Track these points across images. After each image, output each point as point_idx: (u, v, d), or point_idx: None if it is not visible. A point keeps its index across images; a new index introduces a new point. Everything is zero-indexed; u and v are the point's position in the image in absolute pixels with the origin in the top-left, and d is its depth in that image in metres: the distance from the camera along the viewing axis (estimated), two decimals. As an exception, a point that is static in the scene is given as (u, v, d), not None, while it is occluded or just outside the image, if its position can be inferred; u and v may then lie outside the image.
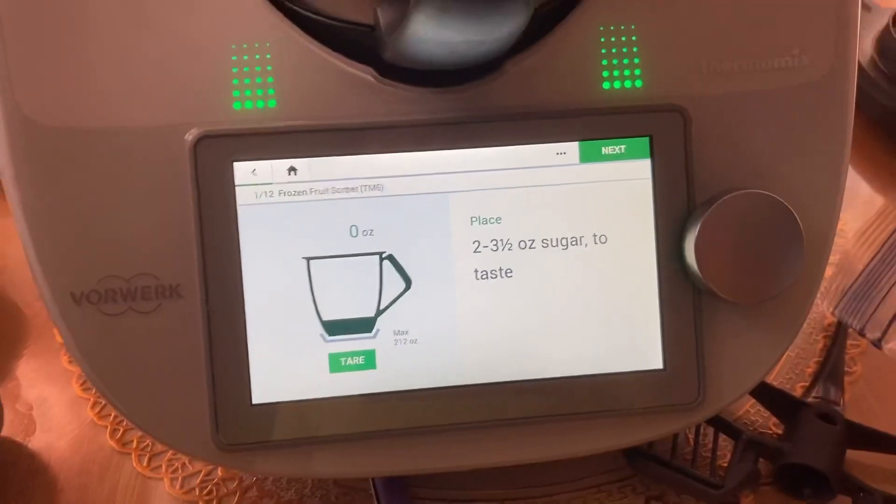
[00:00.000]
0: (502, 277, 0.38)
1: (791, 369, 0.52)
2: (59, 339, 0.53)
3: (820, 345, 0.53)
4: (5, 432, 0.48)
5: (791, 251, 0.36)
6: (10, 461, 0.46)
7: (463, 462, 0.39)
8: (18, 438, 0.47)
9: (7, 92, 0.35)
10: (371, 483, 0.44)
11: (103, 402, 0.49)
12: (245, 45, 0.36)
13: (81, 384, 0.50)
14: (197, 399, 0.36)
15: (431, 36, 0.28)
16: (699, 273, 0.36)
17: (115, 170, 0.35)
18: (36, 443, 0.47)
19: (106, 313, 0.36)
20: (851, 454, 0.45)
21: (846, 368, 0.51)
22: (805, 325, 0.52)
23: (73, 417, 0.49)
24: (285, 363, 0.37)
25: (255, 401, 0.36)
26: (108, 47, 0.35)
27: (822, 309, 0.55)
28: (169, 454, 0.46)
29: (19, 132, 0.35)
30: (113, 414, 0.48)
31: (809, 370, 0.51)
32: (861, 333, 0.51)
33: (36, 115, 0.35)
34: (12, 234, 0.61)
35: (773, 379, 0.51)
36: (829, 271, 0.57)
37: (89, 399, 0.49)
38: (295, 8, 0.37)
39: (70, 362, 0.52)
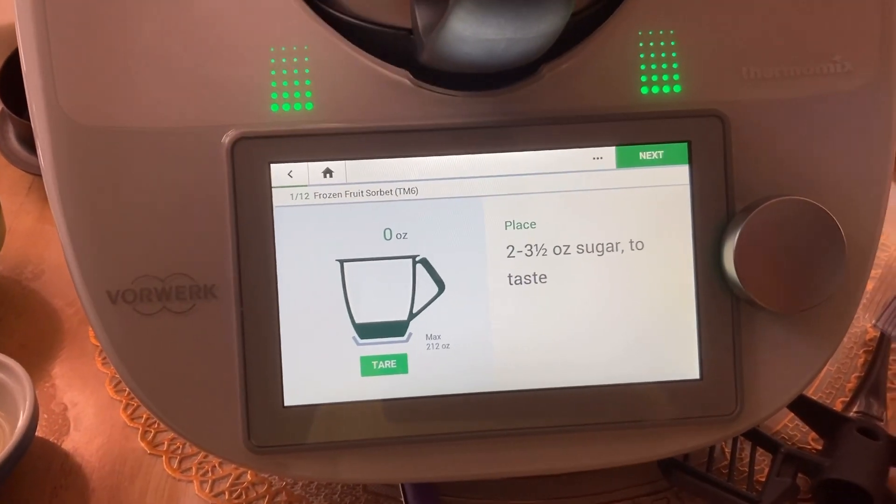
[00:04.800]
0: (536, 283, 0.37)
1: (831, 384, 0.50)
2: (93, 341, 0.54)
3: (860, 360, 0.52)
4: (40, 432, 0.48)
5: (833, 259, 0.36)
6: (44, 461, 0.47)
7: (494, 470, 0.38)
8: (52, 439, 0.48)
9: (50, 92, 0.35)
10: (401, 490, 0.44)
11: (136, 405, 0.49)
12: (283, 49, 0.36)
13: (114, 386, 0.51)
14: (229, 400, 0.36)
15: (470, 34, 0.28)
16: (738, 281, 0.36)
17: (153, 170, 0.36)
18: (69, 443, 0.48)
19: (141, 312, 0.36)
20: (894, 472, 0.44)
21: (889, 384, 0.50)
22: (845, 340, 0.50)
23: (106, 419, 0.49)
24: (317, 365, 0.37)
25: (287, 403, 0.36)
26: (147, 49, 0.36)
27: (863, 323, 0.54)
28: (199, 457, 0.46)
29: (60, 131, 0.35)
30: (145, 416, 0.49)
31: (849, 385, 0.50)
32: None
33: (77, 115, 0.36)
34: (50, 240, 0.63)
35: (813, 394, 0.50)
36: (870, 285, 0.56)
37: (122, 401, 0.50)
38: (333, 12, 0.37)
39: (104, 364, 0.52)
